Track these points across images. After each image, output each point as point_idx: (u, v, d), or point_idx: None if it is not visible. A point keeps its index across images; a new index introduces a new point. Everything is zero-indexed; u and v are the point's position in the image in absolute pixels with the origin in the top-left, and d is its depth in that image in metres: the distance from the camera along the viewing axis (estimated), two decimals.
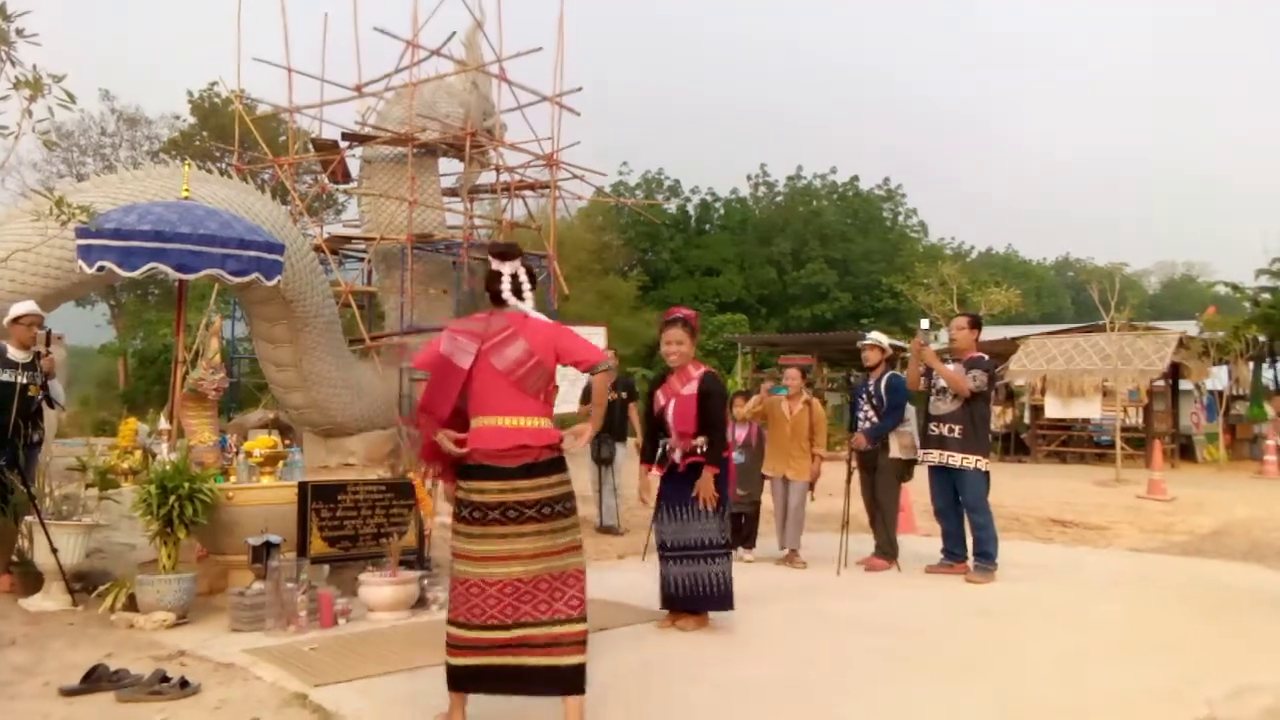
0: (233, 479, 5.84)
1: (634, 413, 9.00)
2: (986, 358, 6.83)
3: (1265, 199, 70.95)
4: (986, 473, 6.62)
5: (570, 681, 3.34)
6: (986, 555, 6.51)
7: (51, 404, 6.30)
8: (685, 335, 5.09)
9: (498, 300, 3.53)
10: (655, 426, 5.29)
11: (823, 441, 7.29)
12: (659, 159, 79.60)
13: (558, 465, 3.39)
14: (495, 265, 3.57)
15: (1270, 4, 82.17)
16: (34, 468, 5.96)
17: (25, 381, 5.98)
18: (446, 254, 16.66)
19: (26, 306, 6.28)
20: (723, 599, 5.04)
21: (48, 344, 6.12)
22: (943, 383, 6.67)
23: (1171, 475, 13.83)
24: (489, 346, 3.37)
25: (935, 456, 6.69)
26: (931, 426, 6.74)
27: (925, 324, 6.90)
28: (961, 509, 6.72)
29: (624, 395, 8.83)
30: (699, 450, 5.04)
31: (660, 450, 5.24)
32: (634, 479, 5.65)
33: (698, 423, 5.02)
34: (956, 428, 6.58)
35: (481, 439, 3.36)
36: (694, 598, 5.04)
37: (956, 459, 6.57)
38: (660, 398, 5.20)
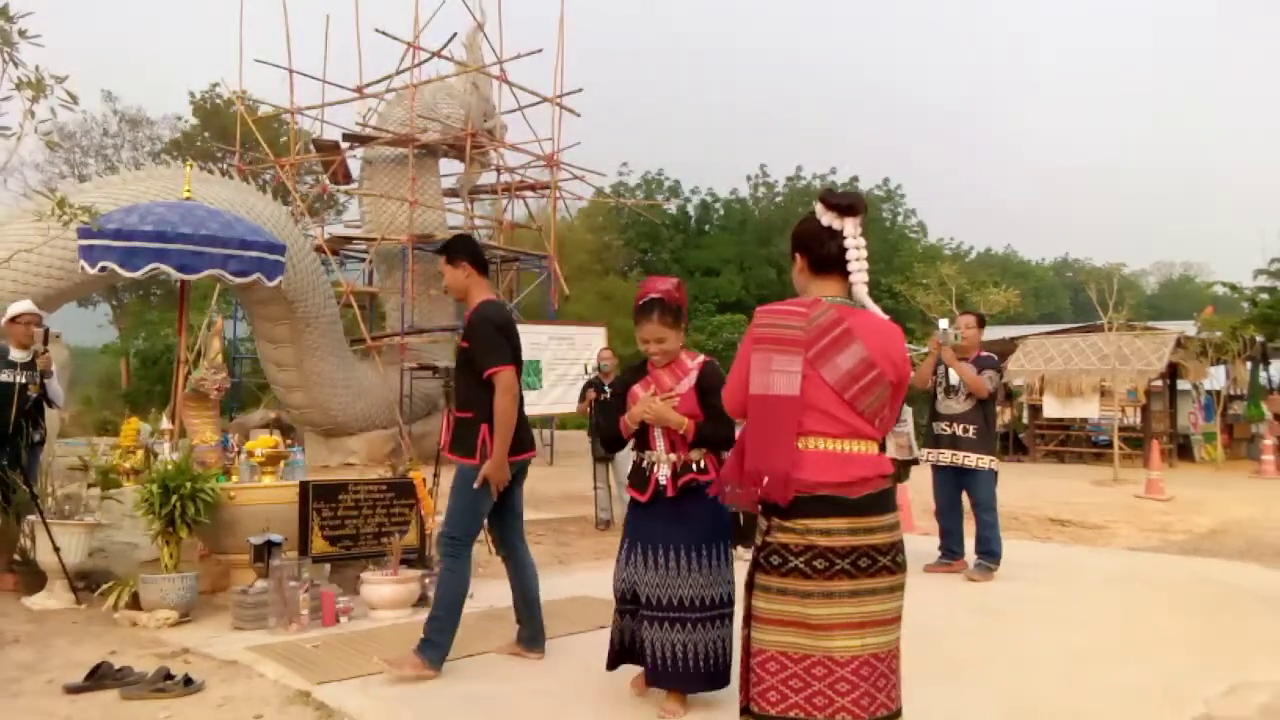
0: (234, 478, 5.86)
1: None
2: (995, 357, 6.86)
3: (1263, 199, 71.03)
4: (995, 471, 6.64)
5: None
6: (991, 554, 6.53)
7: (50, 403, 6.34)
8: (665, 327, 3.71)
9: (825, 268, 2.59)
10: (616, 436, 3.92)
11: None
12: (659, 159, 79.53)
13: (894, 500, 2.59)
14: (829, 220, 2.57)
15: (1270, 4, 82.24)
16: (36, 467, 5.99)
17: (25, 381, 6.01)
18: None
19: (24, 306, 6.31)
20: (718, 675, 3.67)
21: (45, 342, 6.15)
22: (953, 382, 6.61)
23: (1169, 475, 13.84)
24: (815, 353, 2.46)
25: (947, 457, 6.62)
26: (941, 426, 6.66)
27: (944, 324, 6.74)
28: (962, 507, 6.74)
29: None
30: (696, 467, 3.70)
31: (637, 467, 3.86)
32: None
33: (699, 429, 3.68)
34: (971, 427, 6.54)
35: (812, 467, 2.47)
36: (685, 675, 3.64)
37: (971, 459, 6.53)
38: (640, 395, 3.80)
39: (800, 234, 2.64)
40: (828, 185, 40.29)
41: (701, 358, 3.84)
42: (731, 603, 3.71)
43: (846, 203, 2.56)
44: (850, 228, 2.55)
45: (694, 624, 3.63)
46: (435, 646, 4.13)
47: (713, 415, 3.62)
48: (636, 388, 3.81)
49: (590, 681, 4.16)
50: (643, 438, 3.79)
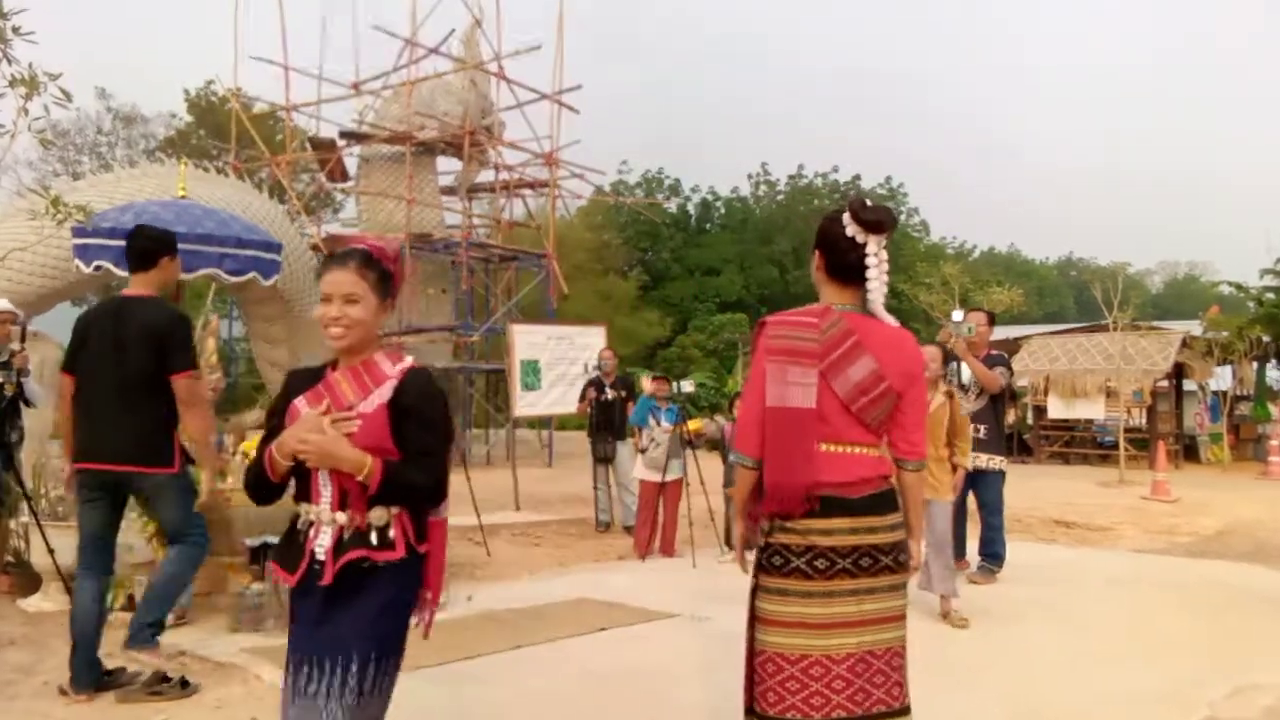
0: (230, 479, 5.81)
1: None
2: (1005, 355, 6.80)
3: (1268, 198, 70.91)
4: (1004, 473, 6.58)
5: None
6: (995, 556, 6.48)
7: (28, 402, 6.26)
8: (364, 283, 2.29)
9: (842, 276, 2.55)
10: (260, 480, 2.44)
11: (966, 449, 5.60)
12: (659, 158, 79.73)
13: (897, 500, 2.58)
14: (854, 231, 2.50)
15: (1270, 4, 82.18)
16: (13, 467, 5.92)
17: (1, 380, 5.95)
18: (445, 253, 16.66)
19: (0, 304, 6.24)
20: None
21: (23, 340, 6.09)
22: (964, 380, 6.49)
23: (1175, 476, 13.77)
24: (827, 365, 2.45)
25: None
26: None
27: (959, 315, 6.57)
28: (966, 508, 6.68)
29: (624, 394, 8.87)
30: (376, 538, 2.32)
31: (291, 531, 2.48)
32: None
33: (388, 475, 2.24)
34: (982, 427, 6.44)
35: (816, 468, 2.50)
36: None
37: (983, 460, 6.44)
38: (303, 413, 2.32)
39: (824, 233, 2.59)
40: (831, 184, 40.30)
41: (408, 361, 2.39)
42: None
43: (874, 219, 2.49)
44: (874, 245, 2.50)
45: None
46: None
47: (414, 454, 2.28)
48: (299, 401, 2.36)
49: (588, 684, 4.11)
50: (305, 484, 2.38)
